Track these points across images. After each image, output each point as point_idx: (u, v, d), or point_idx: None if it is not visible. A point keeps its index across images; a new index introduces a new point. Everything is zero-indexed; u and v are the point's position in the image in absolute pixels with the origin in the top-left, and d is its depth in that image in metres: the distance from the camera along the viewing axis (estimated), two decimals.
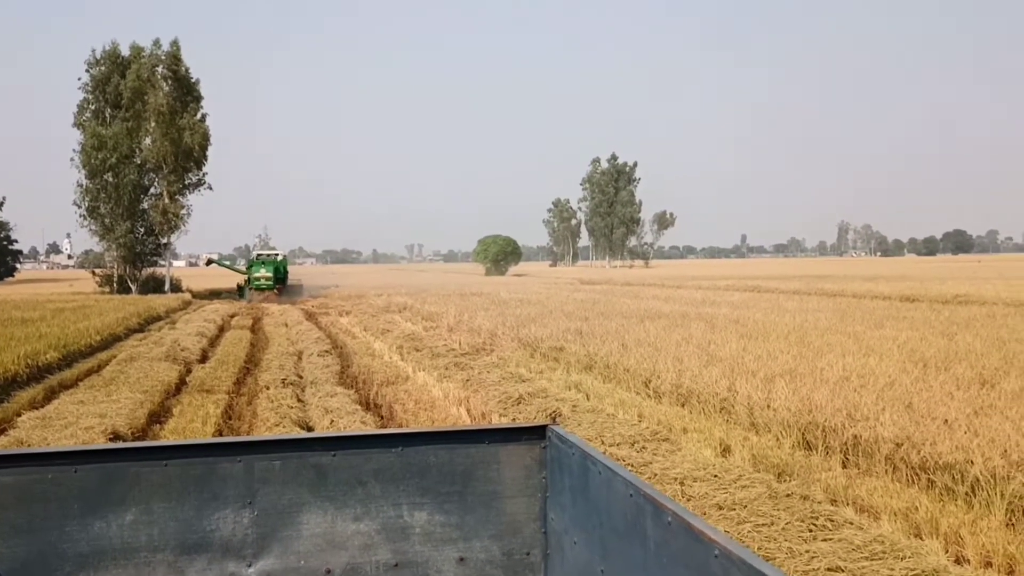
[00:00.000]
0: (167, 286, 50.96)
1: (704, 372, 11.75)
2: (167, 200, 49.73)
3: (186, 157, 49.96)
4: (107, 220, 49.03)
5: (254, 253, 53.01)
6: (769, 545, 5.87)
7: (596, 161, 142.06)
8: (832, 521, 6.25)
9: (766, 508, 6.58)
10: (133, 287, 49.69)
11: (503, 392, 11.97)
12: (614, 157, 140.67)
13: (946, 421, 8.24)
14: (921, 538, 6.16)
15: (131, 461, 3.00)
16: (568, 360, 14.95)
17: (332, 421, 10.58)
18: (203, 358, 18.17)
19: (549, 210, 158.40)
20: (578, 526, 3.01)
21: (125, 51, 50.23)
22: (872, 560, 5.49)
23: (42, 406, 11.83)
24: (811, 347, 14.63)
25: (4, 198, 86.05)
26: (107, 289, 50.23)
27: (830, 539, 5.92)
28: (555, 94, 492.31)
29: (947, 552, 5.95)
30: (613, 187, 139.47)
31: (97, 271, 54.42)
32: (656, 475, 7.64)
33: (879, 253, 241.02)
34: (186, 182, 50.83)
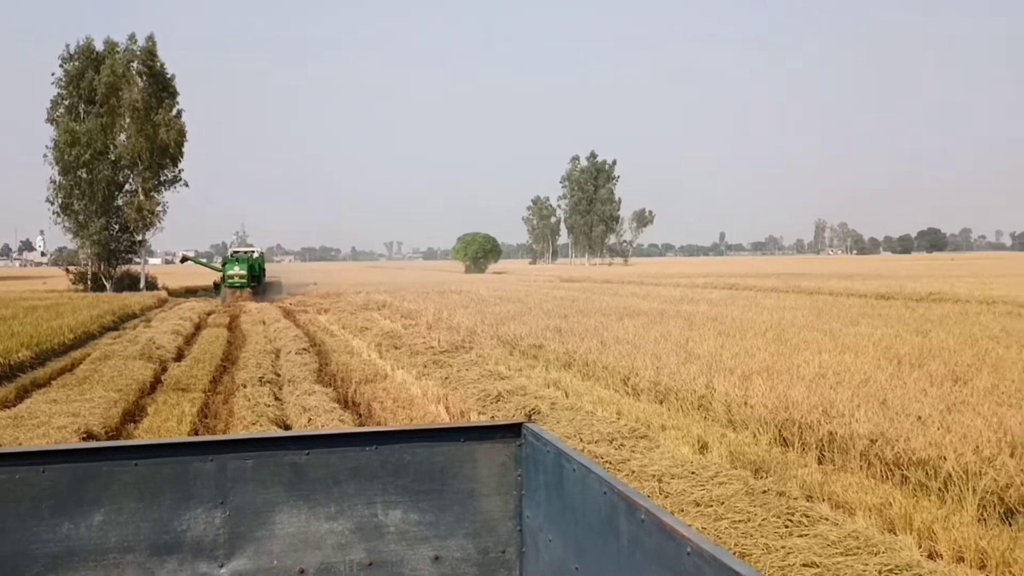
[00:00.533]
0: (142, 284, 50.52)
1: (682, 369, 11.80)
2: (142, 197, 49.20)
3: (161, 153, 49.42)
4: (81, 217, 48.45)
5: (230, 250, 52.48)
6: (746, 541, 5.90)
7: (576, 159, 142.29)
8: (808, 517, 6.30)
9: (743, 504, 6.62)
10: (108, 285, 49.13)
11: (482, 390, 11.96)
12: (593, 155, 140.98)
13: (919, 417, 8.32)
14: (895, 533, 6.22)
15: (101, 461, 2.96)
16: (547, 358, 14.96)
17: (310, 419, 10.52)
18: (179, 356, 18.03)
19: (529, 208, 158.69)
20: (553, 523, 3.01)
21: (99, 46, 49.74)
22: (847, 556, 5.53)
23: (14, 405, 11.68)
24: (788, 344, 14.72)
25: None
26: (81, 287, 49.61)
27: (806, 535, 5.96)
28: (535, 91, 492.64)
29: (920, 547, 6.01)
30: (592, 185, 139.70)
31: (71, 268, 53.72)
32: (634, 472, 7.66)
33: (855, 251, 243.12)
34: (161, 179, 50.33)
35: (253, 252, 48.61)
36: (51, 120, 48.72)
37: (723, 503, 6.68)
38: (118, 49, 49.33)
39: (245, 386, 13.06)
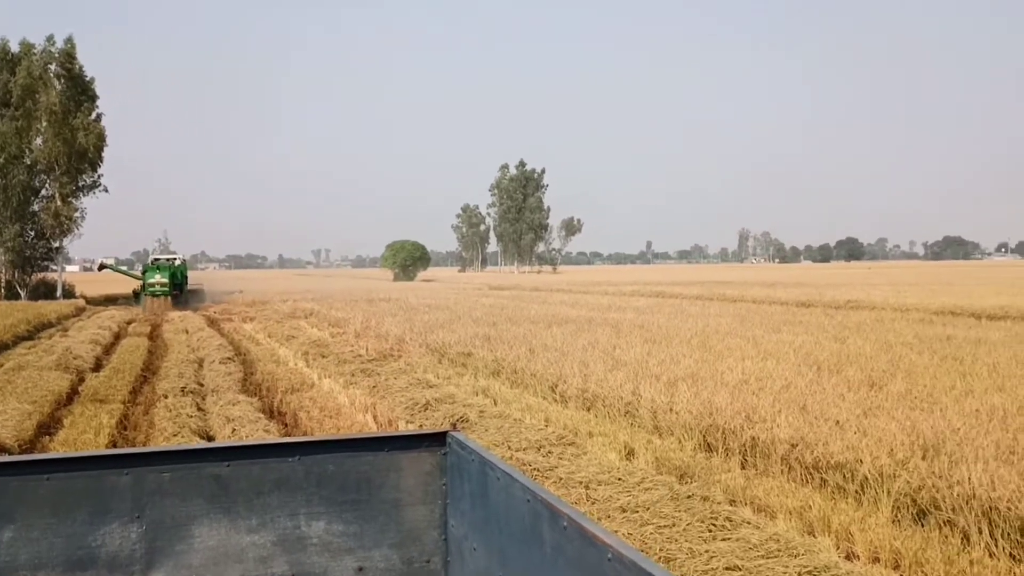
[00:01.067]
0: (59, 292, 48.82)
1: (609, 376, 11.92)
2: (59, 202, 47.58)
3: (80, 158, 47.92)
4: None
5: (150, 258, 51.08)
6: (670, 546, 5.98)
7: (505, 167, 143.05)
8: (731, 521, 6.42)
9: (668, 509, 6.72)
10: (22, 293, 47.46)
11: (410, 398, 11.90)
12: (522, 164, 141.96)
13: (837, 422, 8.57)
14: (814, 535, 6.38)
15: (10, 476, 2.86)
16: (476, 365, 14.96)
17: (234, 430, 10.31)
18: (97, 366, 17.48)
19: (458, 215, 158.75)
20: (478, 532, 3.01)
21: (15, 47, 48.05)
22: (768, 558, 5.66)
23: None
24: (712, 351, 15.00)
25: None
26: None
27: (729, 539, 6.08)
28: (464, 96, 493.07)
29: (838, 549, 6.18)
30: (522, 193, 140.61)
31: None
32: (562, 479, 7.70)
33: (777, 260, 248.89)
34: (80, 184, 48.82)
35: (175, 259, 47.44)
36: None
37: (648, 509, 6.77)
38: (35, 51, 47.75)
39: (167, 396, 12.74)
